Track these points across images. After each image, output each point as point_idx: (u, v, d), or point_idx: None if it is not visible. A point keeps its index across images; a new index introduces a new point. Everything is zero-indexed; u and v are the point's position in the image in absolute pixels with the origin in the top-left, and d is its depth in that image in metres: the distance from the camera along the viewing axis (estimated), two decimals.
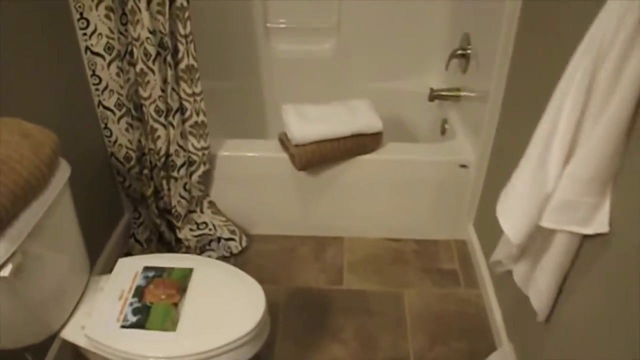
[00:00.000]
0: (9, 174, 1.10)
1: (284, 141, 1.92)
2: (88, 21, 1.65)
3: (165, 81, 1.73)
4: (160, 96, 1.73)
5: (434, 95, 2.18)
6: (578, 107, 0.93)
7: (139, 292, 1.34)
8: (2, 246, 1.04)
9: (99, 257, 1.90)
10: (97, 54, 1.70)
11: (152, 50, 1.65)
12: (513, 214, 1.10)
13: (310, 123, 1.85)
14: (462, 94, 2.12)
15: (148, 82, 1.71)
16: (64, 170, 1.31)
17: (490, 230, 1.86)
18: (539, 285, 1.20)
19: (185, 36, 1.66)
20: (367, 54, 2.47)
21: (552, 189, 1.01)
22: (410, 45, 2.45)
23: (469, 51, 2.04)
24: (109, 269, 1.88)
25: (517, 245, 1.20)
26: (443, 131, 2.26)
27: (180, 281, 1.36)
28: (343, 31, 2.41)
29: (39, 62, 1.52)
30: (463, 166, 1.95)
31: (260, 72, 2.51)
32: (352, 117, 1.89)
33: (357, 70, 2.50)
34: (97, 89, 1.76)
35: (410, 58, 2.48)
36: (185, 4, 1.61)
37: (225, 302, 1.31)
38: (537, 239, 1.16)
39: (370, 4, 2.34)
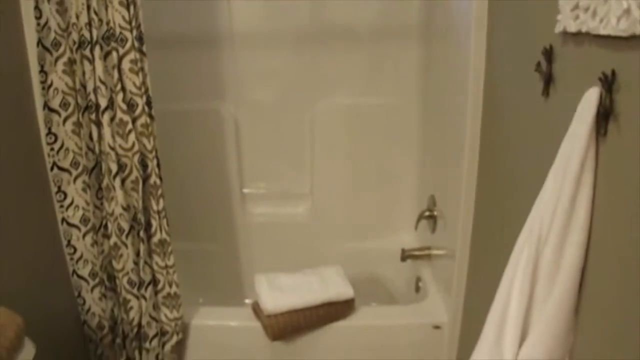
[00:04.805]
0: None
1: (257, 311, 1.92)
2: (65, 194, 1.73)
3: (138, 254, 1.77)
4: (132, 269, 1.76)
5: (405, 256, 2.22)
6: (525, 291, 0.96)
7: None
8: None
9: None
10: (74, 225, 1.76)
11: (125, 226, 1.70)
12: None
13: (281, 293, 1.87)
14: (433, 252, 2.17)
15: (121, 255, 1.74)
16: (27, 352, 1.29)
17: None
18: None
19: (158, 212, 1.72)
20: (339, 217, 2.56)
21: None
22: (381, 207, 2.55)
23: (435, 212, 2.13)
24: None
25: None
26: (417, 289, 2.27)
27: None
28: (316, 196, 2.52)
29: (15, 232, 1.59)
30: (437, 327, 1.93)
31: (236, 236, 2.56)
32: (324, 285, 1.91)
33: (331, 232, 2.57)
34: (72, 259, 1.81)
35: (382, 219, 2.57)
36: (158, 182, 1.69)
37: None
38: None
39: (341, 170, 2.47)
